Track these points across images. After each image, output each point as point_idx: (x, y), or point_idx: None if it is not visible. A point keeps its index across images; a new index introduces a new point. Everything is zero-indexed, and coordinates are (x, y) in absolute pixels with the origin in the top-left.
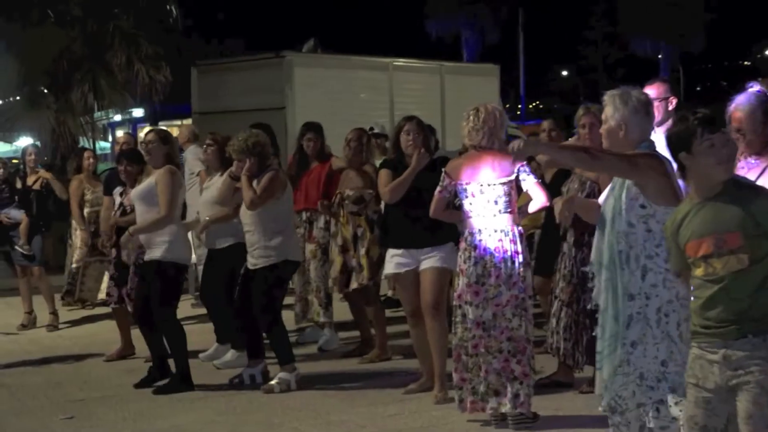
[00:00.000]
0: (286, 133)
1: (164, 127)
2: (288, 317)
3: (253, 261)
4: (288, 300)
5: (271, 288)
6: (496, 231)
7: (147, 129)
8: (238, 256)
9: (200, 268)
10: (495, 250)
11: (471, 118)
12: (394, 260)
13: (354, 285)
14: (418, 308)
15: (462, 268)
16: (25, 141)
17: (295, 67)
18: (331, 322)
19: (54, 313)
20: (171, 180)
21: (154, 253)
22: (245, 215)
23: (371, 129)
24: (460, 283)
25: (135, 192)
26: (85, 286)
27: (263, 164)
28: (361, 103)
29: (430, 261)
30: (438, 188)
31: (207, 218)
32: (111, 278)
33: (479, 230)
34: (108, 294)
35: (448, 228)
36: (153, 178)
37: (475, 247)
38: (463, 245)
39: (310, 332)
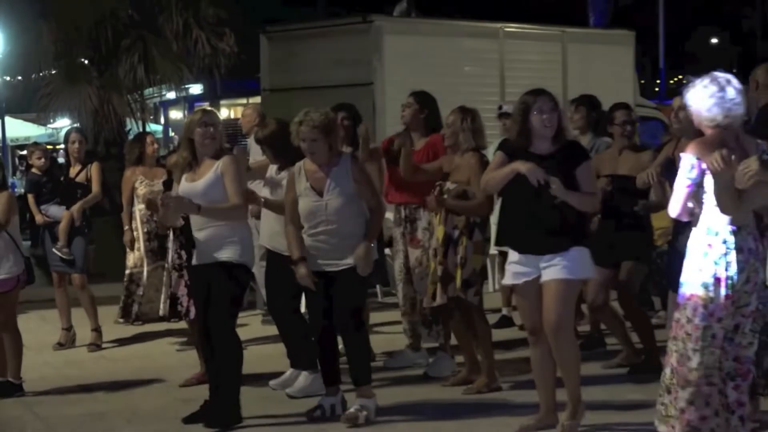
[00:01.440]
0: (374, 113)
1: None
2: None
3: (335, 262)
4: (385, 316)
5: (358, 291)
6: (748, 226)
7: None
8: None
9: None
10: (756, 250)
11: None
12: (511, 268)
13: (439, 299)
14: (538, 325)
15: (720, 277)
16: (61, 123)
17: (385, 34)
18: (446, 343)
19: (97, 329)
20: (239, 168)
21: (221, 254)
22: (333, 212)
23: (500, 108)
24: (713, 297)
25: (194, 188)
26: (144, 299)
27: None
28: (464, 77)
29: (553, 271)
30: (684, 178)
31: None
32: (185, 285)
33: (738, 228)
34: (179, 304)
35: (575, 228)
36: (216, 169)
37: (740, 249)
38: (718, 248)
39: (404, 356)
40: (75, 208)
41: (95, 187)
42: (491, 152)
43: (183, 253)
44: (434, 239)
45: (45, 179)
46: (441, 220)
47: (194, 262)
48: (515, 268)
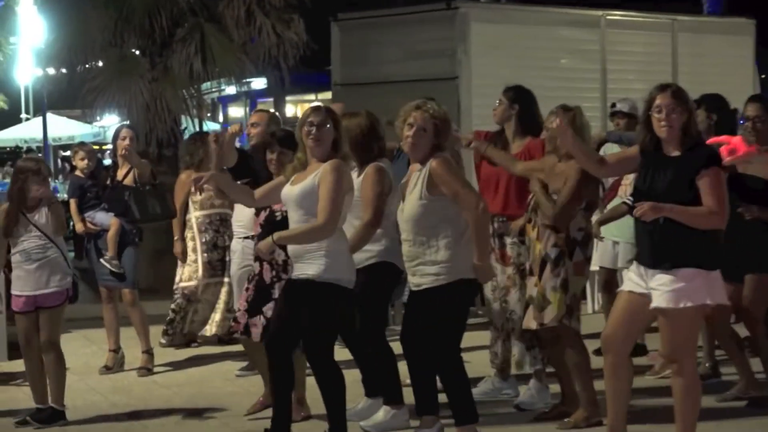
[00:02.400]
0: (459, 110)
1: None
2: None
3: (415, 281)
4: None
5: (442, 315)
6: None
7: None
8: (384, 275)
9: None
10: None
11: None
12: (627, 276)
13: (534, 324)
14: (612, 338)
15: None
16: (109, 121)
17: (471, 22)
18: (542, 369)
19: (148, 351)
20: (340, 178)
21: (306, 270)
22: (403, 219)
23: (613, 105)
24: None
25: (290, 193)
26: (197, 316)
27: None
28: (561, 71)
29: (659, 297)
30: None
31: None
32: (246, 300)
33: None
34: (235, 320)
35: (688, 245)
36: (315, 177)
37: None
38: None
39: (491, 385)
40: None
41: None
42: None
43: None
44: (530, 256)
45: (90, 183)
46: (538, 235)
47: (292, 275)
48: (629, 275)
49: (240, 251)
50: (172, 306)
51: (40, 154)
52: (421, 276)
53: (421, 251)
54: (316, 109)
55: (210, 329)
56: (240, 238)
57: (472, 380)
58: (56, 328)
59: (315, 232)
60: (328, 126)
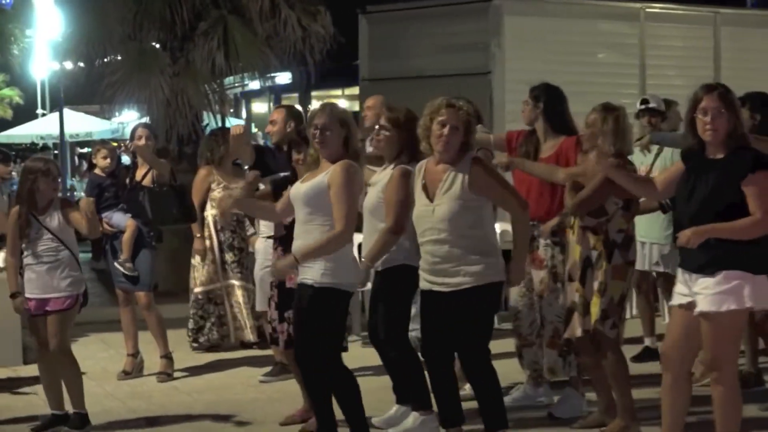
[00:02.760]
0: (491, 106)
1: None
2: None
3: (456, 281)
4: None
5: (480, 316)
6: None
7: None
8: (406, 278)
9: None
10: None
11: None
12: (675, 289)
13: (577, 331)
14: (670, 353)
15: None
16: (128, 117)
17: (505, 14)
18: (577, 378)
19: (167, 356)
20: (347, 177)
21: (307, 274)
22: (435, 220)
23: (644, 102)
24: None
25: (297, 191)
26: (220, 321)
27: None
28: (599, 66)
29: (702, 301)
30: None
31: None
32: (276, 307)
33: None
34: (272, 329)
35: (732, 247)
36: (322, 176)
37: None
38: None
39: (524, 392)
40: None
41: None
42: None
43: None
44: (570, 260)
45: (109, 182)
46: (578, 238)
47: (298, 280)
48: (677, 286)
49: (263, 251)
50: (199, 312)
51: (56, 151)
52: (463, 275)
53: (462, 251)
54: (321, 109)
55: (247, 334)
56: (264, 237)
57: (505, 388)
58: (66, 333)
59: (334, 242)
60: (332, 131)
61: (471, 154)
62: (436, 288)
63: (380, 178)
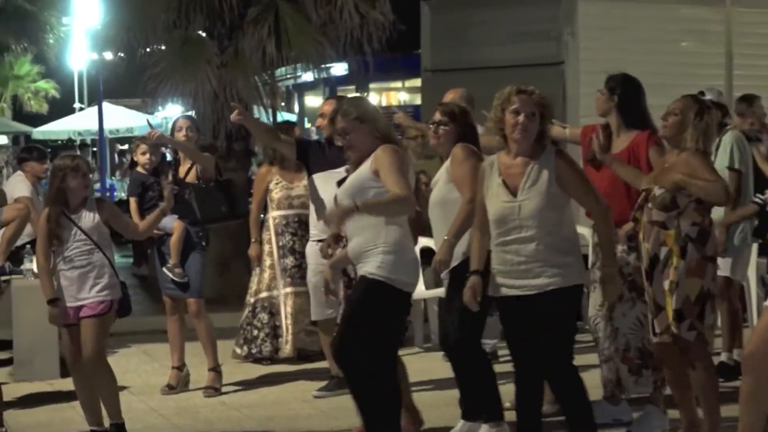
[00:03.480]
0: (564, 98)
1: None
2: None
3: (540, 282)
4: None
5: (565, 320)
6: None
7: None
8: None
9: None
10: None
11: None
12: None
13: (650, 337)
14: (753, 350)
15: None
16: (172, 111)
17: (579, 1)
18: (658, 393)
19: (216, 369)
20: (395, 156)
21: (364, 266)
22: (521, 216)
23: (701, 94)
24: None
25: (345, 187)
26: (279, 331)
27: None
28: (680, 55)
29: None
30: None
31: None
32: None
33: None
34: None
35: None
36: (366, 166)
37: None
38: None
39: (602, 410)
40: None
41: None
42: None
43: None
44: (644, 262)
45: (152, 180)
46: (646, 234)
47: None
48: None
49: (314, 255)
50: (254, 322)
51: (94, 148)
52: (549, 276)
53: (549, 250)
54: (336, 113)
55: (286, 348)
56: (314, 241)
57: None
58: (100, 339)
59: (398, 201)
60: (354, 133)
61: (552, 146)
62: (516, 292)
63: (440, 176)
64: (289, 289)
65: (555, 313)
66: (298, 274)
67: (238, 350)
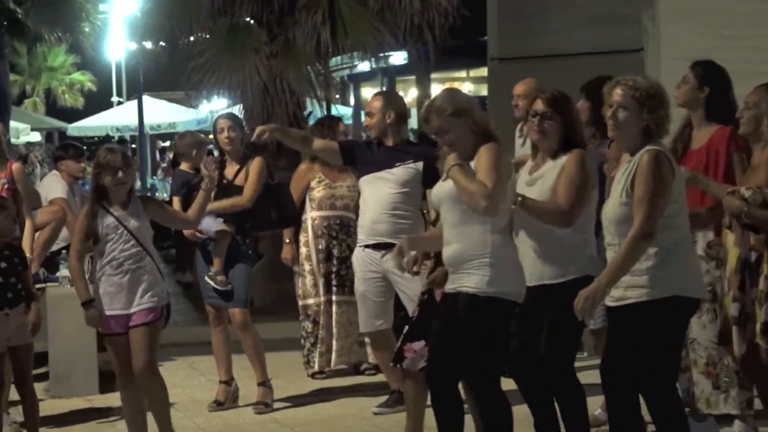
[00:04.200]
0: None
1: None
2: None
3: (618, 294)
4: None
5: (650, 337)
6: None
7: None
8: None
9: None
10: None
11: None
12: None
13: (737, 349)
14: None
15: None
16: (218, 104)
17: None
18: (747, 411)
19: (265, 384)
20: (493, 156)
21: (465, 281)
22: (606, 220)
23: None
24: None
25: (443, 189)
26: (328, 344)
27: None
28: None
29: None
30: None
31: None
32: (412, 325)
33: None
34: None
35: None
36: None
37: None
38: None
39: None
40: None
41: (247, 189)
42: None
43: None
44: (727, 268)
45: (197, 179)
46: (737, 239)
47: (447, 288)
48: None
49: (361, 262)
50: (301, 331)
51: (134, 145)
52: (625, 288)
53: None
54: (427, 112)
55: (334, 361)
56: (361, 247)
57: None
58: (152, 351)
59: (476, 198)
60: (451, 130)
61: (650, 145)
62: (607, 302)
63: (543, 173)
64: (329, 297)
65: (634, 329)
66: (336, 280)
67: (307, 369)
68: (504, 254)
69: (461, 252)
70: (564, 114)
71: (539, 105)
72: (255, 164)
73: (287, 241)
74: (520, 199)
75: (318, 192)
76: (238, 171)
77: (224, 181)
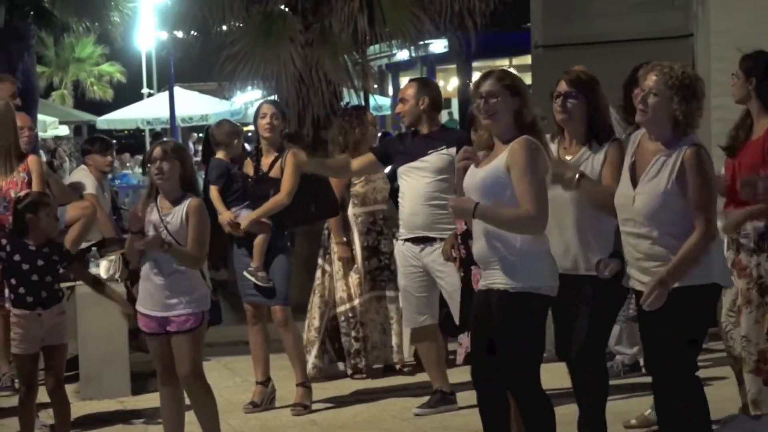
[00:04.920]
0: None
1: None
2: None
3: (642, 278)
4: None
5: (680, 325)
6: None
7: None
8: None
9: None
10: None
11: None
12: None
13: None
14: None
15: None
16: (252, 95)
17: None
18: None
19: (305, 384)
20: (532, 157)
21: (496, 278)
22: (635, 211)
23: None
24: None
25: (475, 179)
26: (369, 344)
27: None
28: None
29: None
30: None
31: None
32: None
33: None
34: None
35: None
36: (501, 159)
37: None
38: None
39: (738, 424)
40: (250, 216)
41: (284, 184)
42: None
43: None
44: None
45: (236, 168)
46: None
47: (480, 285)
48: None
49: (402, 257)
50: (353, 333)
51: (165, 138)
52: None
53: (668, 251)
54: (487, 75)
55: (395, 356)
56: (402, 240)
57: (715, 420)
58: (197, 355)
59: (523, 221)
60: (500, 99)
61: (688, 138)
62: (638, 287)
63: (579, 161)
64: (376, 294)
65: (668, 317)
66: (383, 276)
67: (317, 363)
68: (535, 249)
69: (491, 248)
70: (589, 95)
71: (562, 86)
72: (290, 158)
73: (337, 240)
74: (578, 176)
75: (360, 187)
76: (274, 162)
77: (259, 173)
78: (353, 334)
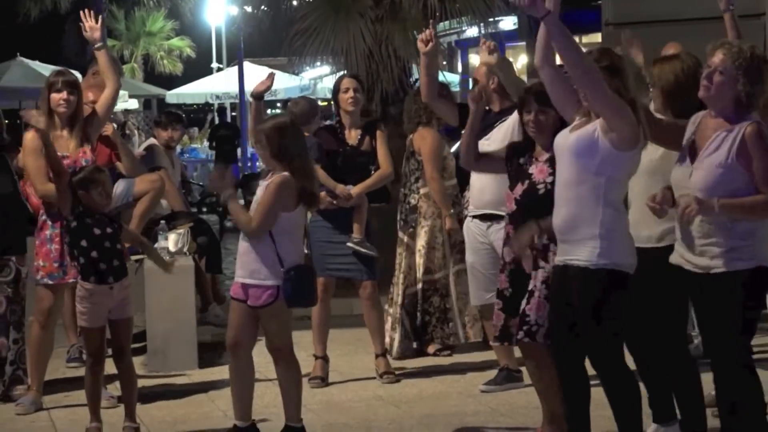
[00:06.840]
0: (765, 52)
1: None
2: None
3: (703, 262)
4: None
5: (740, 307)
6: None
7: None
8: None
9: None
10: None
11: None
12: None
13: None
14: None
15: None
16: (321, 71)
17: None
18: None
19: (384, 355)
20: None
21: (576, 253)
22: (691, 186)
23: None
24: None
25: (567, 140)
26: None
27: None
28: None
29: None
30: None
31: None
32: (508, 300)
33: None
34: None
35: None
36: (599, 122)
37: None
38: None
39: None
40: (359, 187)
41: (385, 158)
42: None
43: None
44: None
45: (313, 144)
46: None
47: (556, 260)
48: None
49: (470, 233)
50: (425, 306)
51: (233, 113)
52: (711, 258)
53: (716, 228)
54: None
55: (468, 333)
56: (471, 216)
57: None
58: (279, 330)
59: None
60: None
61: (754, 114)
62: (686, 266)
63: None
64: (458, 267)
65: (716, 301)
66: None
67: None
68: (615, 226)
69: (571, 219)
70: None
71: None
72: (381, 135)
73: (448, 212)
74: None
75: (451, 160)
76: (362, 137)
77: (348, 147)
78: (438, 303)
